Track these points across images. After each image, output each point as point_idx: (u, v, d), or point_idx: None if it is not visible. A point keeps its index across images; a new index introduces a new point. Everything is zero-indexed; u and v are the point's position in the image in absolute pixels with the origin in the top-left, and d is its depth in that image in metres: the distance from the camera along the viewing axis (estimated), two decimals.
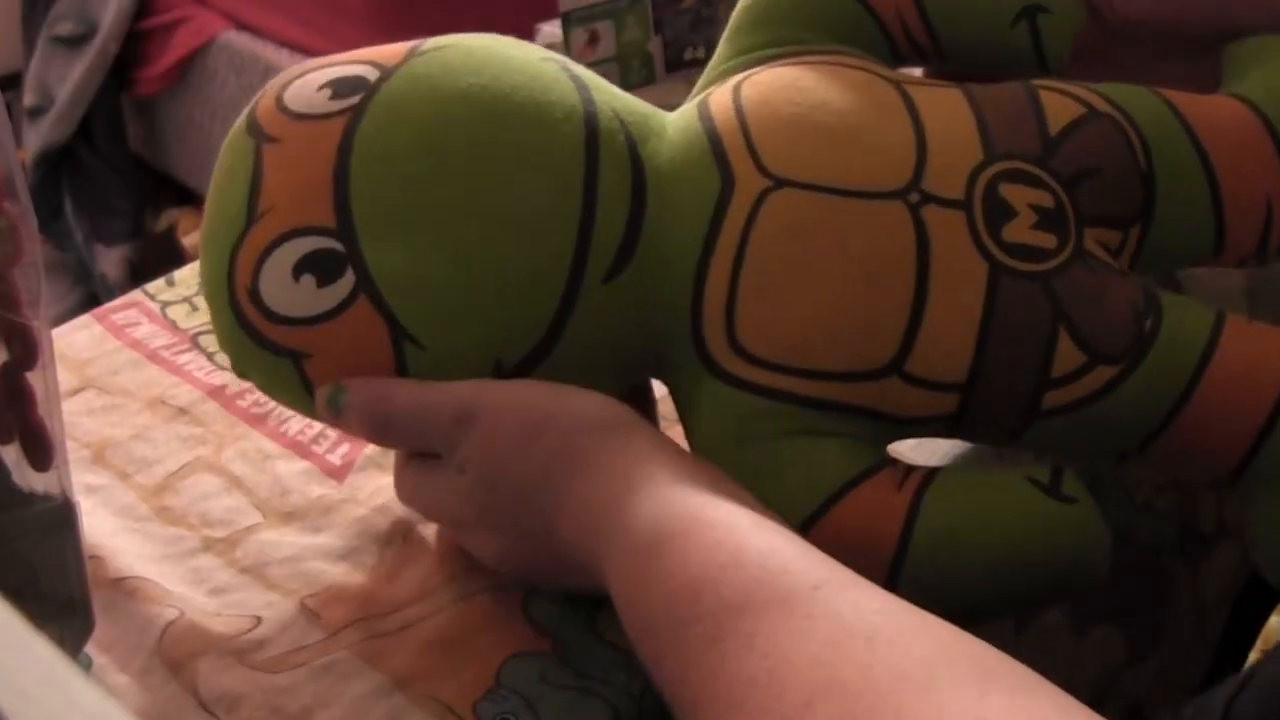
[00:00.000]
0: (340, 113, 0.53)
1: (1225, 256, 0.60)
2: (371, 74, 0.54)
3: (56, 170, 2.24)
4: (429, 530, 0.61)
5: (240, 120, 0.56)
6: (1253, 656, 0.58)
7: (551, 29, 1.02)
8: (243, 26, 2.10)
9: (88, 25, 2.21)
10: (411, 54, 0.55)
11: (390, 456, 0.65)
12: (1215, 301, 0.59)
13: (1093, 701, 0.38)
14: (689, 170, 0.54)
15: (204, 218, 0.56)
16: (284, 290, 0.52)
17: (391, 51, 0.56)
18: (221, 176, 0.55)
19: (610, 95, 0.56)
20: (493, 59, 0.55)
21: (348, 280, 0.52)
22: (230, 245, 0.53)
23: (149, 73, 2.20)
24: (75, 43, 2.22)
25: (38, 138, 2.21)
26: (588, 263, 0.53)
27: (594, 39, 1.01)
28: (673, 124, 0.57)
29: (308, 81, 0.55)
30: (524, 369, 0.53)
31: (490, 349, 0.52)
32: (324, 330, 0.52)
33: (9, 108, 0.51)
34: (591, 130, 0.54)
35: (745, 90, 0.57)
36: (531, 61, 0.56)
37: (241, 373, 0.56)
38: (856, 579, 0.44)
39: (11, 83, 2.33)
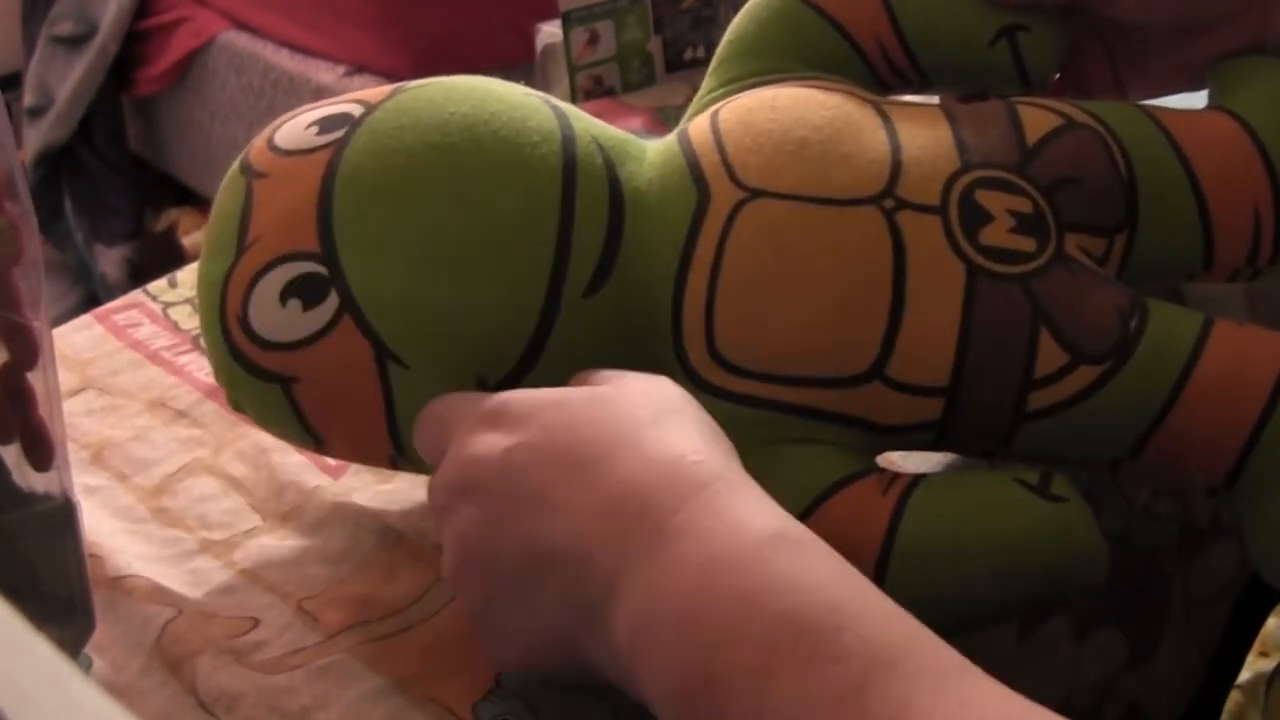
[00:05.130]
0: (325, 146, 0.55)
1: (1216, 270, 0.59)
2: (357, 110, 0.56)
3: (56, 170, 2.24)
4: (425, 531, 0.61)
5: (235, 163, 0.57)
6: (1250, 658, 0.58)
7: (551, 29, 1.02)
8: (243, 26, 2.10)
9: (88, 25, 2.21)
10: (397, 91, 0.57)
11: None
12: (1214, 302, 0.59)
13: (1093, 705, 0.38)
14: (667, 189, 0.56)
15: (200, 259, 0.58)
16: (272, 315, 0.53)
17: (379, 91, 0.57)
18: (215, 216, 0.57)
19: (589, 123, 0.58)
20: (474, 92, 0.56)
21: (332, 302, 0.53)
22: (222, 277, 0.55)
23: (149, 73, 2.20)
24: (75, 43, 2.22)
25: (38, 138, 2.22)
26: (566, 278, 0.54)
27: (594, 39, 1.01)
28: (653, 149, 0.58)
29: (297, 121, 0.57)
30: (506, 386, 0.53)
31: (473, 366, 0.53)
32: (310, 353, 0.53)
33: (9, 108, 0.52)
34: (569, 152, 0.55)
35: (722, 113, 0.58)
36: (513, 94, 0.57)
37: (237, 405, 0.58)
38: (983, 673, 0.40)
39: (11, 83, 2.33)
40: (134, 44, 2.20)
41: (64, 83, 2.21)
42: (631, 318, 0.55)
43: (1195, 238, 0.58)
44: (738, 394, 0.53)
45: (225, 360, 0.55)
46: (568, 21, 0.99)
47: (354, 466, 0.64)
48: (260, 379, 0.55)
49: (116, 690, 0.54)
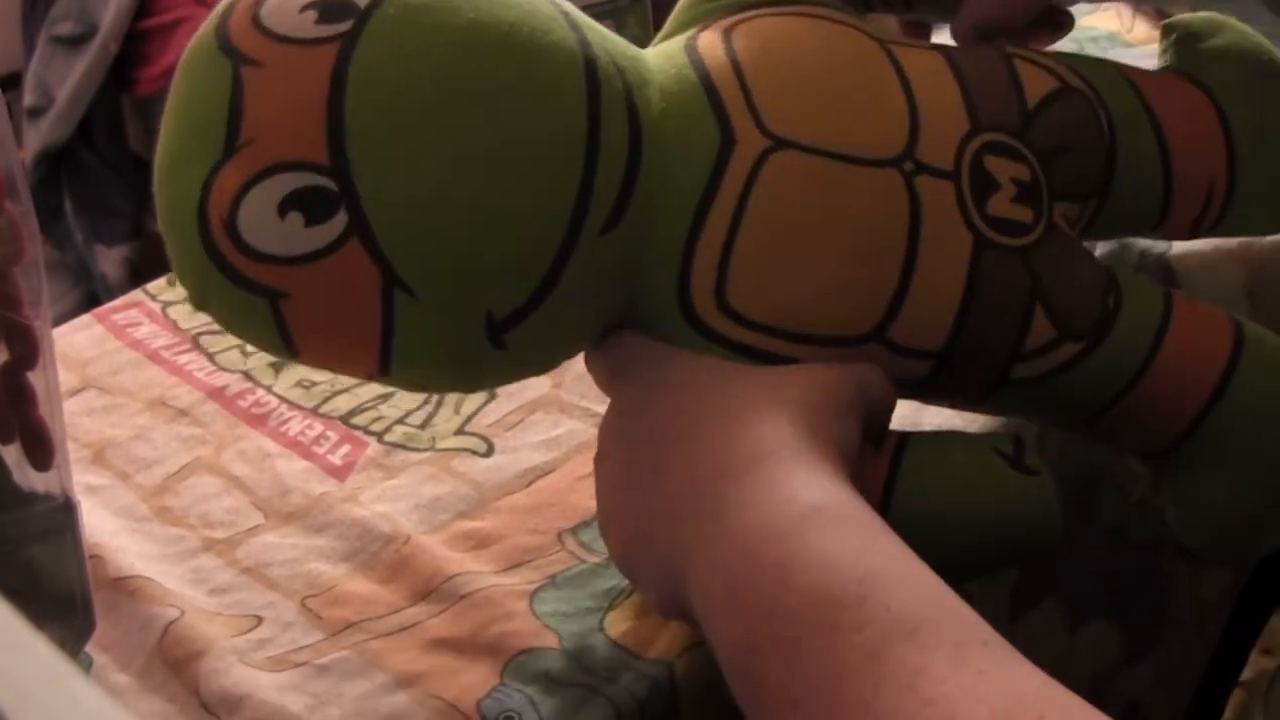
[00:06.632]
0: (330, 39, 0.48)
1: (1160, 231, 0.62)
2: None
3: (56, 170, 2.24)
4: (431, 531, 0.61)
5: (207, 35, 0.50)
6: (1254, 657, 0.58)
7: None
8: None
9: (88, 25, 2.21)
10: None
11: (392, 458, 0.65)
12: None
13: (1090, 699, 0.38)
14: (685, 122, 0.53)
15: (164, 137, 0.51)
16: (267, 226, 0.48)
17: None
18: (189, 95, 0.50)
19: (602, 38, 0.54)
20: None
21: (339, 221, 0.48)
22: (204, 174, 0.49)
23: (149, 73, 2.20)
24: (75, 43, 2.22)
25: (38, 138, 2.21)
26: (588, 213, 0.50)
27: None
28: (660, 69, 0.54)
29: (286, 1, 0.50)
30: (514, 321, 0.50)
31: (484, 299, 0.50)
32: (309, 271, 0.48)
33: (9, 108, 0.51)
34: (592, 76, 0.51)
35: (739, 40, 0.55)
36: None
37: (200, 305, 0.52)
38: (1008, 647, 0.40)
39: (11, 83, 2.32)
40: (134, 44, 2.20)
41: (64, 83, 2.21)
42: (637, 255, 0.52)
43: (1155, 204, 0.60)
44: (735, 342, 0.52)
45: (202, 264, 0.49)
46: None
47: (359, 467, 0.64)
48: (244, 289, 0.49)
49: (117, 690, 0.54)
